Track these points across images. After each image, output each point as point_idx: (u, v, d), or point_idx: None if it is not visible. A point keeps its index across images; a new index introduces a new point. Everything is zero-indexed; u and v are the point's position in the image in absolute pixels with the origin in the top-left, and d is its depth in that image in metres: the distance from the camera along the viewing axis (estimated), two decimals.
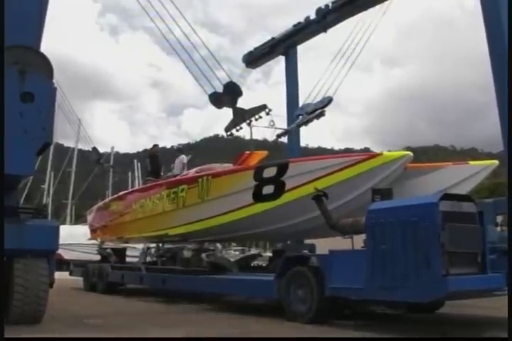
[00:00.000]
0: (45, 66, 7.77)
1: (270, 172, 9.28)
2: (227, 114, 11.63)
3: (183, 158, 14.29)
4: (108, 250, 16.20)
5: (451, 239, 6.23)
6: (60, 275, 9.79)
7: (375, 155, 8.61)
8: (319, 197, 8.28)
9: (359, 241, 7.70)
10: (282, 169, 9.14)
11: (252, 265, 12.69)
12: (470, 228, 6.64)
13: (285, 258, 8.64)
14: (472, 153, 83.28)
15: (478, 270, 6.58)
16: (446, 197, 6.59)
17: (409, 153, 8.58)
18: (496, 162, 9.50)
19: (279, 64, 17.31)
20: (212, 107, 11.61)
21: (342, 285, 7.26)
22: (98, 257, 16.74)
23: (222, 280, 9.95)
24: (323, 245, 11.03)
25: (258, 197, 9.45)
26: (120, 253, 15.99)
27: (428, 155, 70.49)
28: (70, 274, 16.67)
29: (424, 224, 6.36)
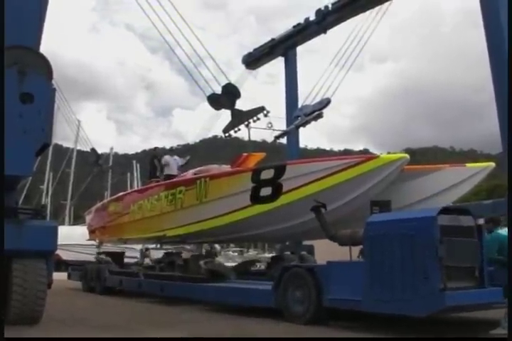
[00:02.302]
0: (44, 67, 7.78)
1: (268, 174, 9.31)
2: (225, 115, 11.68)
3: (179, 160, 14.29)
4: (106, 258, 15.77)
5: (449, 253, 6.23)
6: (59, 276, 9.81)
7: (372, 158, 8.63)
8: (318, 208, 8.29)
9: (357, 247, 7.74)
10: (280, 171, 9.16)
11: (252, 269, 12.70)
12: (468, 242, 6.64)
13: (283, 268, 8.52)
14: (471, 155, 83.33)
15: (476, 284, 6.58)
16: (445, 211, 6.59)
17: (405, 155, 8.61)
18: (492, 164, 9.52)
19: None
20: (204, 108, 11.66)
21: (340, 297, 7.25)
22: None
23: (220, 289, 9.88)
24: (322, 246, 11.05)
25: (256, 198, 9.47)
26: (118, 257, 15.87)
27: (427, 156, 70.49)
28: (69, 278, 16.54)
29: (422, 238, 6.38)
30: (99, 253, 16.52)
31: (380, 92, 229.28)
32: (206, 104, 11.52)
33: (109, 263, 14.86)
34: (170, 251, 14.41)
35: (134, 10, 11.51)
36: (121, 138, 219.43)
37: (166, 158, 14.13)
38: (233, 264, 14.54)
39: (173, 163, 14.03)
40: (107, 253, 16.03)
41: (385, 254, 6.75)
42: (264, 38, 16.27)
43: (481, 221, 7.47)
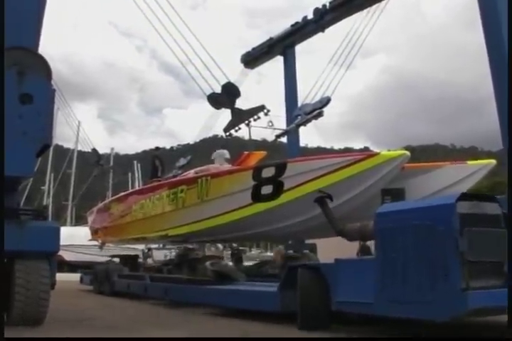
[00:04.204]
0: (43, 68, 7.78)
1: (268, 172, 9.30)
2: (225, 114, 11.68)
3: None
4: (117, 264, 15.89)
5: (471, 246, 5.38)
6: (61, 277, 9.80)
7: (372, 155, 8.61)
8: (323, 199, 7.73)
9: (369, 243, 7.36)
10: (280, 169, 9.16)
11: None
12: (493, 233, 5.68)
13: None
14: (472, 152, 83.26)
15: (504, 282, 5.53)
16: (465, 197, 5.76)
17: (406, 152, 8.58)
18: (493, 161, 9.52)
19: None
20: (197, 107, 11.66)
21: (349, 300, 6.55)
22: (101, 258, 16.74)
23: (222, 292, 9.63)
24: (325, 244, 11.04)
25: (257, 197, 9.46)
26: (131, 261, 15.87)
27: (427, 153, 70.44)
28: (81, 282, 16.63)
29: (439, 229, 5.57)
30: (112, 257, 16.57)
31: (373, 89, 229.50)
32: (199, 103, 11.59)
33: (119, 267, 14.91)
34: (179, 252, 14.33)
35: (117, 7, 11.44)
36: (118, 138, 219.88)
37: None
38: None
39: None
40: (121, 257, 16.07)
41: (398, 249, 5.97)
42: (249, 36, 16.17)
43: None
